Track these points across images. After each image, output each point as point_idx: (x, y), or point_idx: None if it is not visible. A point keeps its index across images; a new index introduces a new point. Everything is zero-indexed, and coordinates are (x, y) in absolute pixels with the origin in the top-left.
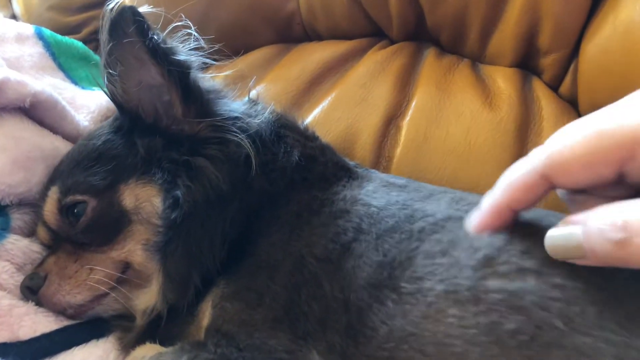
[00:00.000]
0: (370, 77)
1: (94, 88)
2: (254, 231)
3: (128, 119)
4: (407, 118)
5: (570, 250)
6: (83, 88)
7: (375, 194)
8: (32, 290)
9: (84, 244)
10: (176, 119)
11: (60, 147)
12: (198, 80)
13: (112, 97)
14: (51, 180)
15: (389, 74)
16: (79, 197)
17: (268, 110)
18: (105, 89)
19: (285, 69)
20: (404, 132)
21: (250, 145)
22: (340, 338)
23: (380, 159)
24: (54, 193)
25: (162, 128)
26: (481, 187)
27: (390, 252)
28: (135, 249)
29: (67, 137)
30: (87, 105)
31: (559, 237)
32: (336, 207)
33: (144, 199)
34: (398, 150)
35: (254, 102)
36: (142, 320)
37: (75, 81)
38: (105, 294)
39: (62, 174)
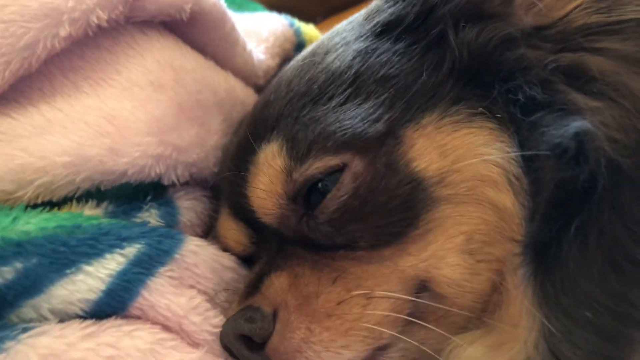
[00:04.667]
0: None
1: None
2: None
3: (418, 6)
4: None
5: None
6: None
7: None
8: (252, 342)
9: (335, 246)
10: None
11: (237, 88)
12: None
13: None
14: (258, 133)
15: None
16: (332, 160)
17: None
18: None
19: None
20: None
21: None
22: None
23: None
24: (274, 156)
25: (489, 14)
26: None
27: None
28: (444, 254)
29: (237, 74)
30: (257, 31)
31: None
32: None
33: (461, 153)
34: None
35: None
36: None
37: None
38: (388, 345)
39: (281, 122)
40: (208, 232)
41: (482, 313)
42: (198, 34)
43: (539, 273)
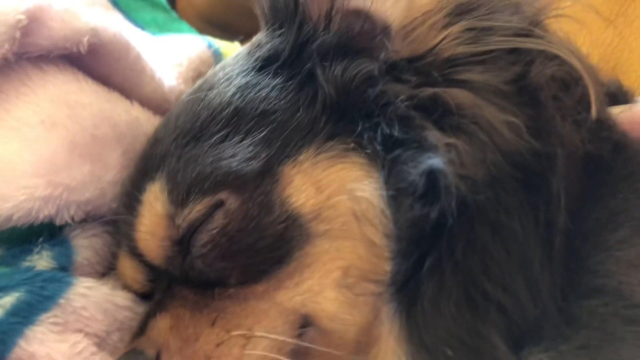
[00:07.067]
0: None
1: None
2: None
3: (292, 41)
4: None
5: None
6: (153, 34)
7: None
8: None
9: (209, 283)
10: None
11: (141, 119)
12: None
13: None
14: (145, 172)
15: None
16: (210, 200)
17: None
18: None
19: None
20: None
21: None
22: None
23: None
24: (156, 198)
25: (358, 48)
26: None
27: None
28: (321, 289)
29: (145, 103)
30: (171, 54)
31: None
32: None
33: (335, 188)
34: None
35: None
36: None
37: (140, 25)
38: None
39: (166, 160)
40: (112, 267)
41: (367, 347)
42: (100, 65)
43: (403, 310)
